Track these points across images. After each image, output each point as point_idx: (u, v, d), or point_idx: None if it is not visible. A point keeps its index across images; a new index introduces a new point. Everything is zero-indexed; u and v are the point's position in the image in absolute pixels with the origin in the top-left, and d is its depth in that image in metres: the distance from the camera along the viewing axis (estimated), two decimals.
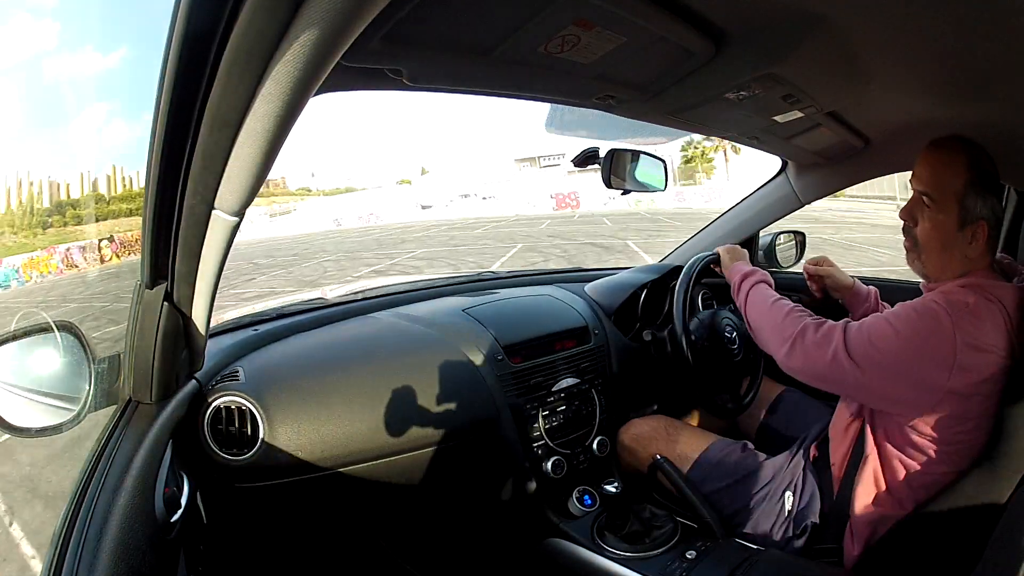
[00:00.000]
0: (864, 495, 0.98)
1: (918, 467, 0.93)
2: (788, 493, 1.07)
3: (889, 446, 0.96)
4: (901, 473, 0.94)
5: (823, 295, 1.34)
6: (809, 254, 1.70)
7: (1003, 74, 0.87)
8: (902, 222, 1.02)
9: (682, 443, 1.22)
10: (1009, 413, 0.85)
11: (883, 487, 0.96)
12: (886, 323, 0.92)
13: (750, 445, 1.21)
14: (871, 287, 1.33)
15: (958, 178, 0.93)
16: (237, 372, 0.97)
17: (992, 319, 0.87)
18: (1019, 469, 0.80)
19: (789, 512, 1.06)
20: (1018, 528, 0.71)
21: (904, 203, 1.03)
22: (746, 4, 0.70)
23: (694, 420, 1.47)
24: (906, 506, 0.94)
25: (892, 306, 1.31)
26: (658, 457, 1.18)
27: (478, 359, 1.18)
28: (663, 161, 1.39)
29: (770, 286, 1.15)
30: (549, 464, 1.20)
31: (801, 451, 1.15)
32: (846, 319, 0.98)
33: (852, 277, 1.33)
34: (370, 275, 10.49)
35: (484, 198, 28.98)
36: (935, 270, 0.99)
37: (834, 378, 0.95)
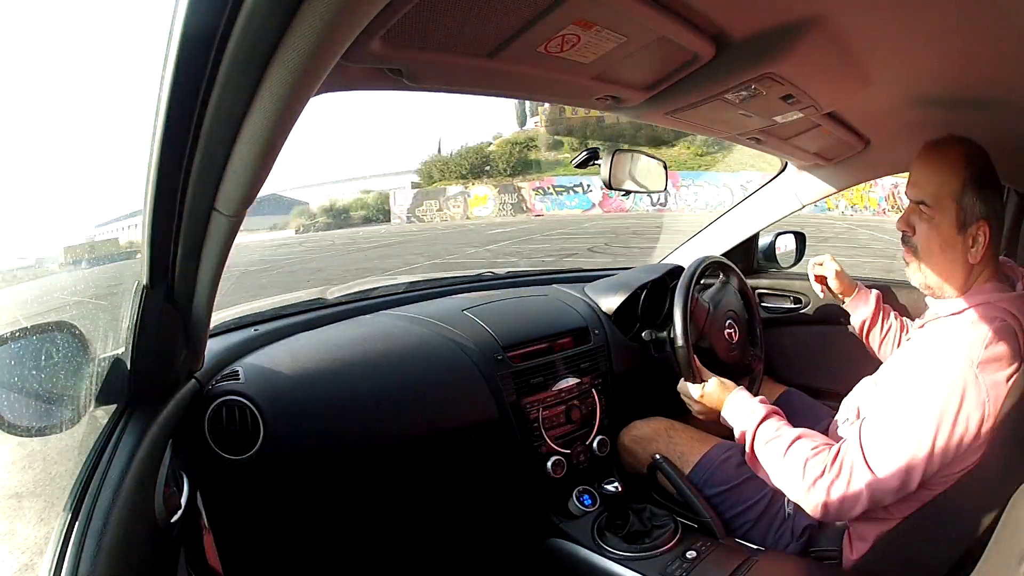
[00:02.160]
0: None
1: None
2: (788, 497, 1.07)
3: None
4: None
5: (826, 294, 1.34)
6: None
7: (1003, 74, 0.87)
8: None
9: (683, 444, 1.22)
10: (1009, 415, 0.85)
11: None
12: (909, 426, 0.85)
13: None
14: (874, 290, 1.33)
15: (954, 178, 0.90)
16: (237, 372, 0.97)
17: (1009, 344, 0.85)
18: (1019, 470, 0.80)
19: (789, 516, 1.06)
20: (1018, 528, 0.71)
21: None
22: (746, 4, 0.70)
23: (695, 421, 1.47)
24: (906, 511, 0.92)
25: (893, 308, 1.32)
26: (657, 457, 1.18)
27: (478, 359, 1.18)
28: (663, 163, 1.39)
29: (779, 417, 1.02)
30: (549, 464, 1.20)
31: None
32: (854, 447, 0.89)
33: (856, 280, 1.33)
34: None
35: None
36: (937, 280, 0.94)
37: (875, 504, 0.88)
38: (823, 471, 0.89)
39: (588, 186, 25.59)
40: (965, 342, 0.85)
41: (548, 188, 26.92)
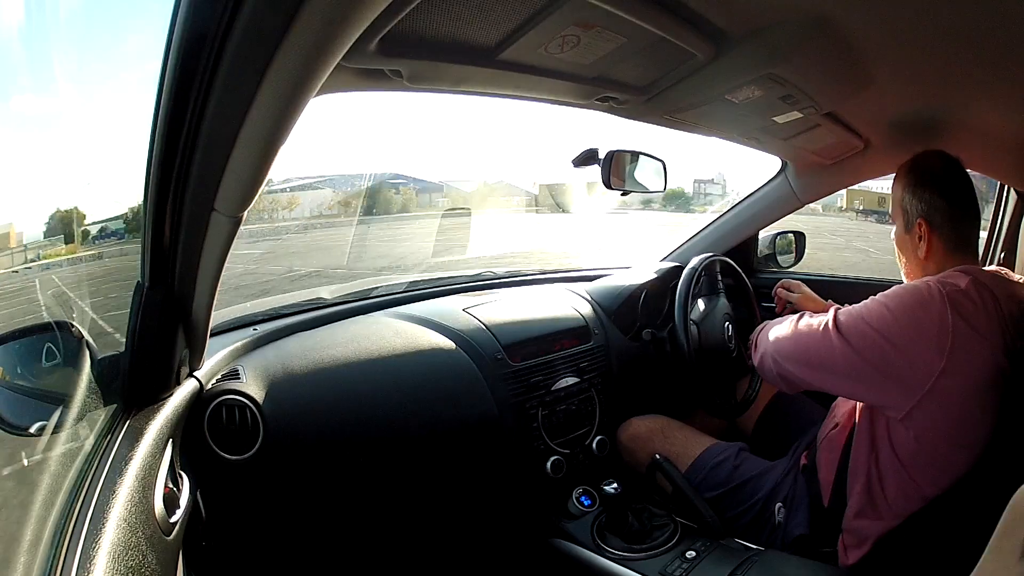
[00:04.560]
0: (856, 506, 0.96)
1: (911, 481, 0.90)
2: (779, 505, 1.06)
3: (881, 457, 0.93)
4: (895, 485, 0.92)
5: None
6: None
7: (1002, 75, 0.87)
8: None
9: (678, 444, 1.22)
10: (1006, 414, 0.85)
11: (875, 499, 0.94)
12: (877, 302, 0.92)
13: (745, 448, 1.21)
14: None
15: (898, 185, 1.01)
16: (237, 371, 0.97)
17: (984, 304, 0.87)
18: (1019, 470, 0.80)
19: (780, 524, 1.05)
20: (1018, 528, 0.71)
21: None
22: (746, 6, 0.70)
23: (693, 420, 1.47)
24: (900, 516, 0.91)
25: None
26: (657, 457, 1.17)
27: (477, 358, 1.18)
28: (663, 162, 1.39)
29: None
30: (549, 464, 1.20)
31: (793, 460, 1.14)
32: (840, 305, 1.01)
33: (829, 301, 1.35)
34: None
35: None
36: (907, 275, 1.05)
37: (824, 359, 0.94)
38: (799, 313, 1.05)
39: None
40: (938, 280, 0.89)
41: None
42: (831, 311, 0.97)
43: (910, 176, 0.99)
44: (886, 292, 0.93)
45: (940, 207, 0.95)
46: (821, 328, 0.94)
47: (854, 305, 0.95)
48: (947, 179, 0.96)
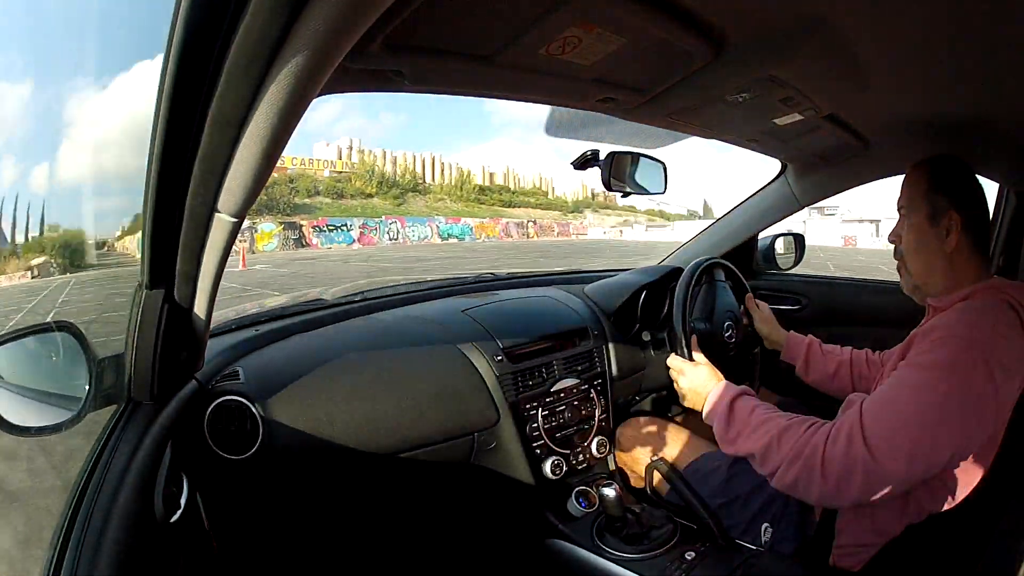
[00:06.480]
0: (848, 531, 0.94)
1: (911, 504, 0.88)
2: (766, 525, 1.05)
3: None
4: (895, 508, 0.89)
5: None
6: None
7: (1002, 77, 0.88)
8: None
9: (671, 449, 1.21)
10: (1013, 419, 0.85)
11: (869, 523, 0.91)
12: (911, 405, 0.80)
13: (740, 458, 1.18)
14: (809, 336, 1.39)
15: (922, 180, 0.98)
16: (237, 372, 0.97)
17: (1013, 329, 0.85)
18: (1020, 473, 0.80)
19: (766, 543, 1.04)
20: (1018, 530, 0.72)
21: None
22: (745, 7, 0.71)
23: (691, 423, 1.47)
24: (897, 532, 0.89)
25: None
26: (655, 459, 1.17)
27: (478, 359, 1.18)
28: (663, 164, 1.39)
29: (750, 397, 1.02)
30: (548, 464, 1.20)
31: None
32: (845, 422, 0.83)
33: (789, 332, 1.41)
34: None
35: None
36: (921, 275, 0.99)
37: (872, 490, 0.80)
38: (813, 453, 0.83)
39: (350, 225, 33.75)
40: (973, 320, 0.85)
41: (323, 226, 33.42)
42: (846, 432, 0.82)
43: (934, 170, 0.98)
44: (926, 369, 0.82)
45: (968, 201, 0.96)
46: (858, 469, 0.79)
47: (878, 409, 0.82)
48: (970, 178, 0.98)
